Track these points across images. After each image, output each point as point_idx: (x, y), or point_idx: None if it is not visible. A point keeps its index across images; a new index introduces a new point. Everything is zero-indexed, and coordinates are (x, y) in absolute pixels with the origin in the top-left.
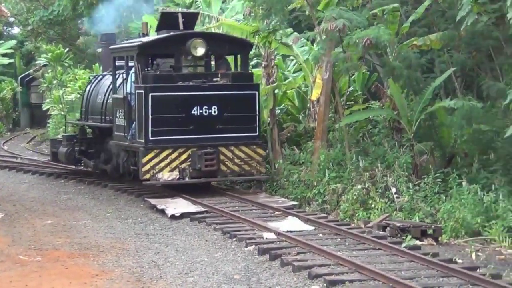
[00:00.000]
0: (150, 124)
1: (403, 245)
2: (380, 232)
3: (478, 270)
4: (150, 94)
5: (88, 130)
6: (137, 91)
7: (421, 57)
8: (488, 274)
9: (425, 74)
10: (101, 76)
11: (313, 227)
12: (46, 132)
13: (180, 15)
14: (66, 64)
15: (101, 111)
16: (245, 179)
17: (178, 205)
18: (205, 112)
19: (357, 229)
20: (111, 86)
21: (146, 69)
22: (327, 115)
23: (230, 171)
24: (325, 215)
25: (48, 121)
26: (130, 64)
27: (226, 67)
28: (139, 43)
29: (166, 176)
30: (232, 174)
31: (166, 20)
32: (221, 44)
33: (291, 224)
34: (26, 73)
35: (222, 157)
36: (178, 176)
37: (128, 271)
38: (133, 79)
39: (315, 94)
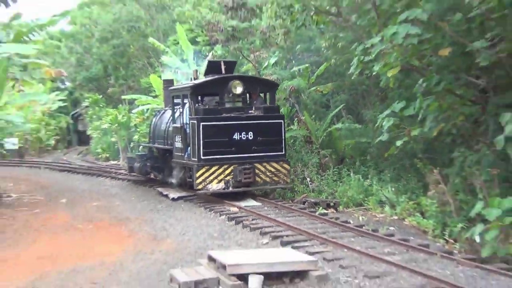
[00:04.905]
0: (202, 147)
1: (317, 213)
2: (302, 205)
3: (363, 227)
4: (201, 124)
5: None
6: (191, 121)
7: (323, 97)
8: (370, 229)
9: (323, 109)
10: (163, 111)
11: (261, 203)
12: (89, 147)
13: (222, 63)
14: (101, 105)
15: (164, 136)
16: (274, 187)
17: (176, 192)
18: (243, 137)
19: (287, 204)
20: (170, 118)
21: (197, 104)
22: None
23: (263, 182)
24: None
25: (90, 141)
26: (185, 101)
27: (261, 101)
28: (192, 84)
29: (215, 186)
30: (264, 184)
31: (212, 67)
32: (254, 84)
33: (248, 202)
34: (74, 111)
35: (257, 171)
36: (224, 186)
37: (147, 234)
38: (188, 112)
39: None
